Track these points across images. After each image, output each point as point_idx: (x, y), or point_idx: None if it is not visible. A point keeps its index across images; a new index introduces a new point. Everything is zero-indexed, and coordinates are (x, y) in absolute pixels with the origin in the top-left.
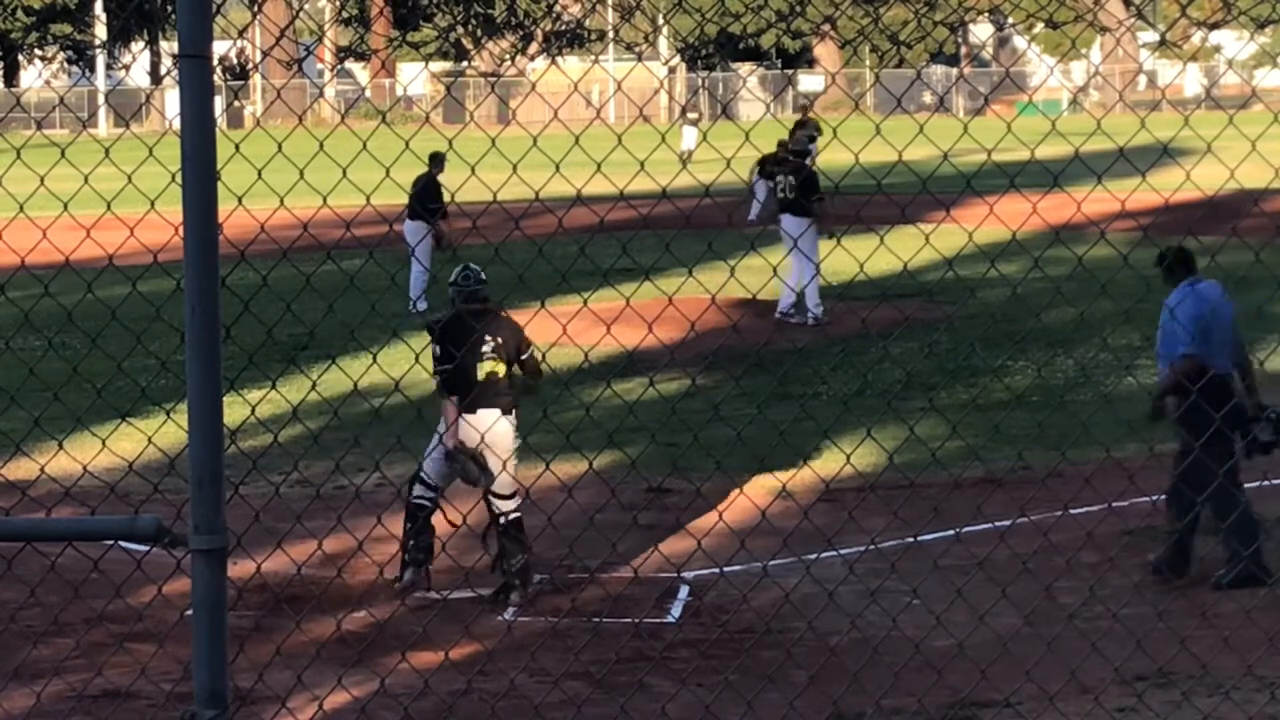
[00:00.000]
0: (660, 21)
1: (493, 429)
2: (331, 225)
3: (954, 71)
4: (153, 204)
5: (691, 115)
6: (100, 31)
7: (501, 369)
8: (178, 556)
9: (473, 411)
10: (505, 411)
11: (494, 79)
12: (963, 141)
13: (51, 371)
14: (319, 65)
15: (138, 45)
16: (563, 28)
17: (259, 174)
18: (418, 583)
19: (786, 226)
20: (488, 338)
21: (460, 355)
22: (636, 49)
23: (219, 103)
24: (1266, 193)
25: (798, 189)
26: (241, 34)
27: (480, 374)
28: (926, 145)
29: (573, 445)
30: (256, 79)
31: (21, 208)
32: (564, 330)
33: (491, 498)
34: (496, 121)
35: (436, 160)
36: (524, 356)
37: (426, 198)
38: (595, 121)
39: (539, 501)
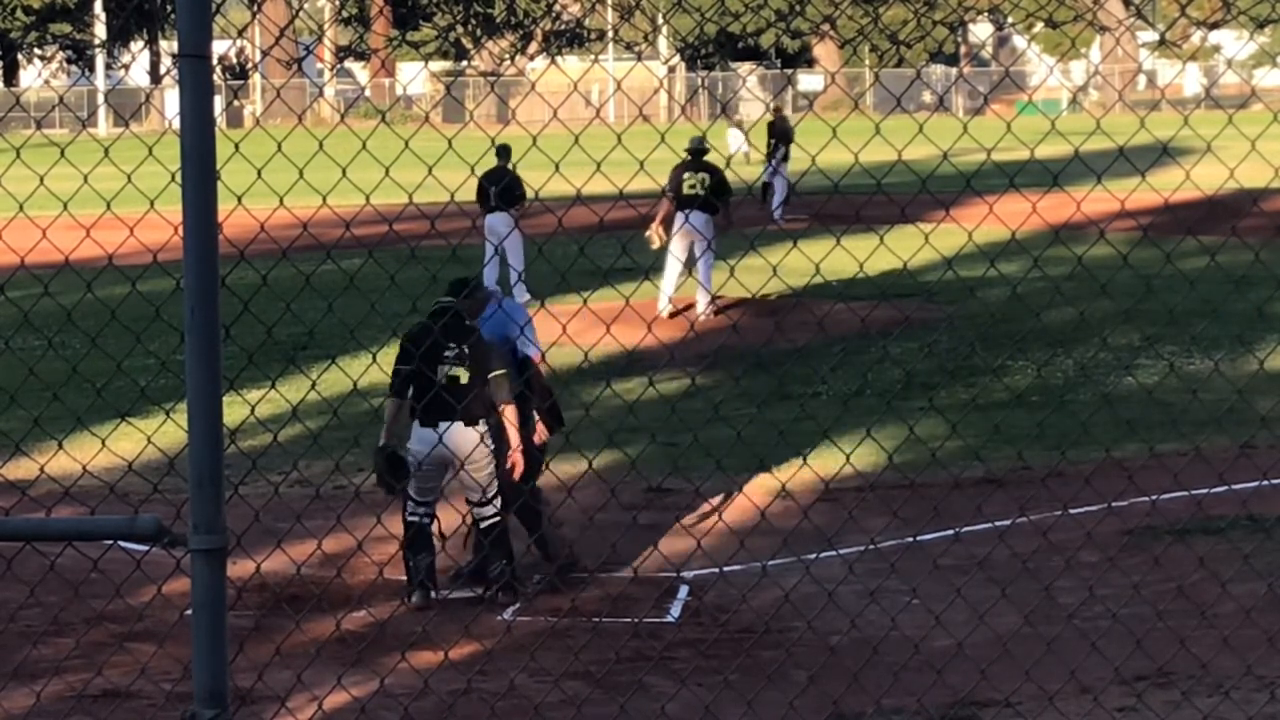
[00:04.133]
0: (660, 21)
1: (455, 440)
2: (331, 225)
3: (954, 71)
4: (152, 204)
5: (736, 118)
6: (100, 31)
7: (464, 375)
8: (177, 556)
9: (434, 424)
10: (469, 422)
11: (494, 79)
12: (963, 141)
13: (51, 371)
14: (319, 65)
15: (137, 45)
16: (562, 27)
17: (259, 174)
18: (430, 602)
19: (696, 223)
20: (452, 344)
21: (420, 356)
22: (636, 48)
23: (219, 102)
24: (1266, 192)
25: (711, 188)
26: (241, 34)
27: (441, 377)
28: (926, 145)
29: (573, 445)
30: (256, 79)
31: (21, 207)
32: (564, 330)
33: (470, 505)
34: (496, 121)
35: (505, 152)
36: (491, 375)
37: (515, 188)
38: (595, 121)
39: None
